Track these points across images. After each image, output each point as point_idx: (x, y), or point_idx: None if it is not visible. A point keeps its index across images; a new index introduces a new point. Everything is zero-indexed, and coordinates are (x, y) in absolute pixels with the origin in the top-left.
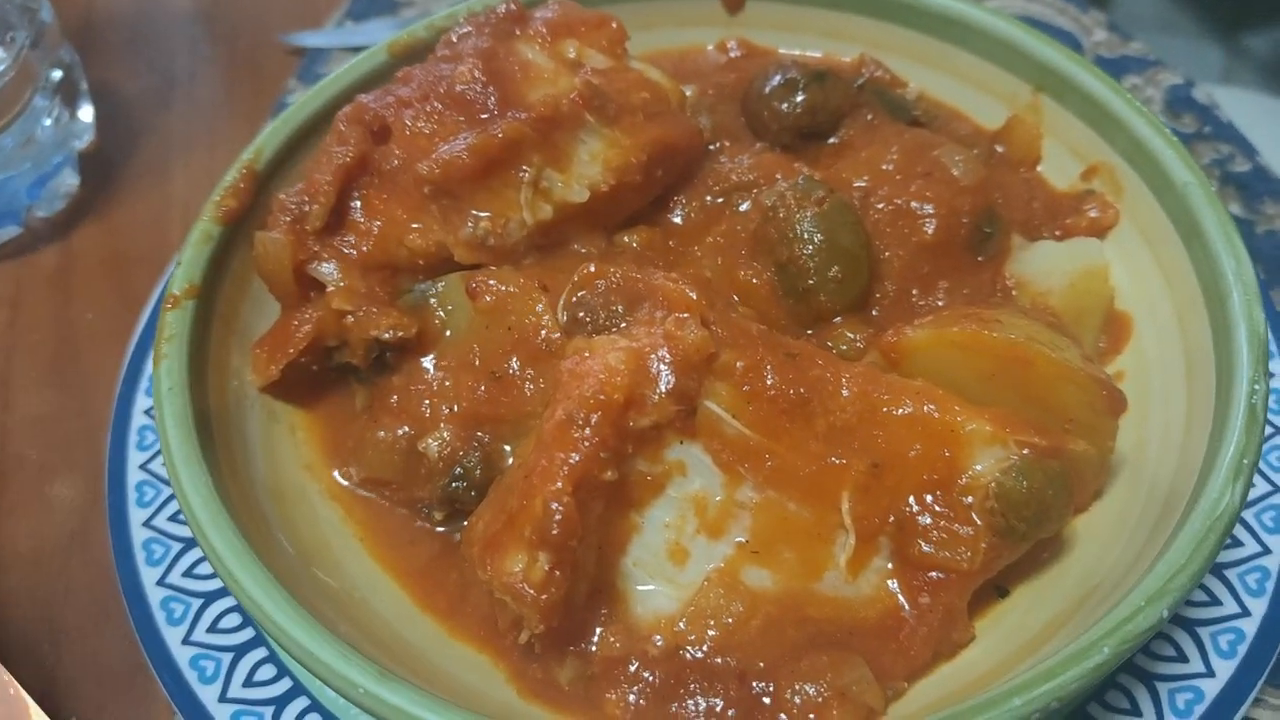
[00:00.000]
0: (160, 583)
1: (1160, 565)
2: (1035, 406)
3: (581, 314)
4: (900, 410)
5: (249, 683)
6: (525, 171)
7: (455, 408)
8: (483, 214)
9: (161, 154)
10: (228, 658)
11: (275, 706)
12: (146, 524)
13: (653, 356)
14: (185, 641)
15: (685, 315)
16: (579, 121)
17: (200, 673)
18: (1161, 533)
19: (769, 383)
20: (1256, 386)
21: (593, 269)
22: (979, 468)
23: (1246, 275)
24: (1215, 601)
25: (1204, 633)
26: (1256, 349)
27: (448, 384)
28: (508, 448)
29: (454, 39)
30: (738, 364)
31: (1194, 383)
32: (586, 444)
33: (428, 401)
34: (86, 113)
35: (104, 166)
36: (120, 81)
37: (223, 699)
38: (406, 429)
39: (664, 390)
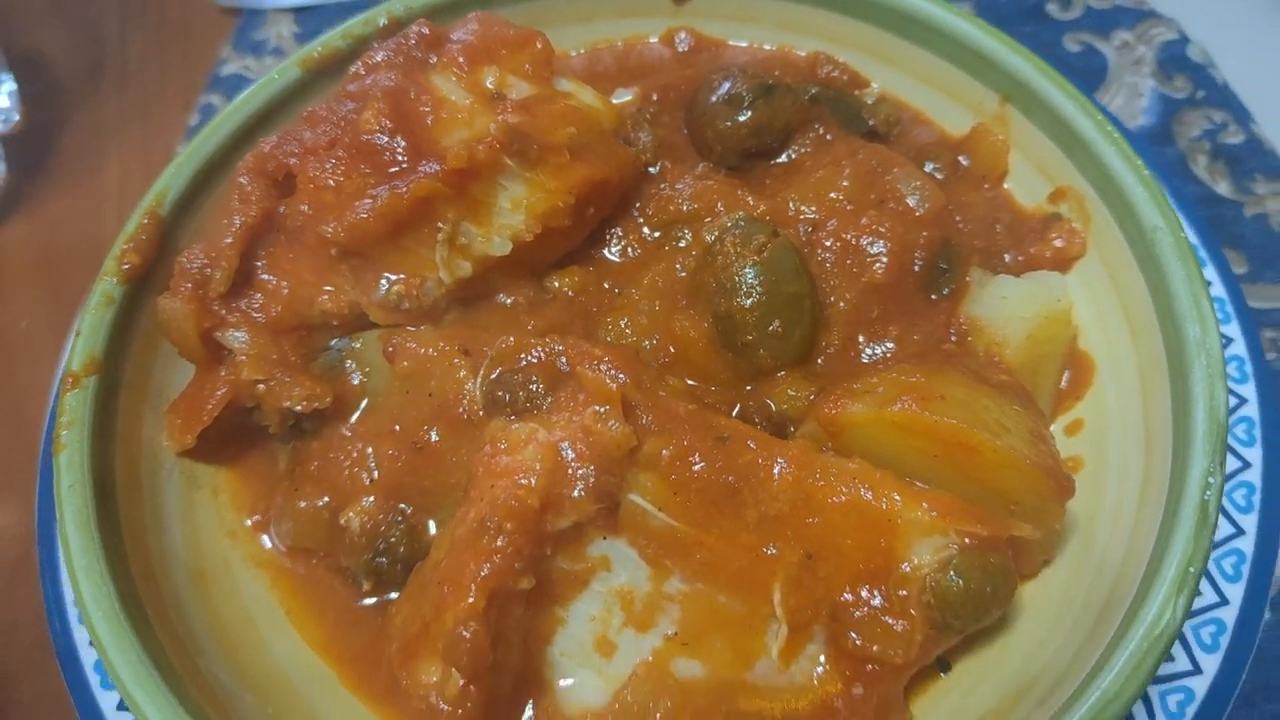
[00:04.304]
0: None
1: (1093, 692)
2: (979, 487)
3: (500, 392)
4: (835, 498)
5: None
6: (440, 229)
7: (376, 476)
8: (395, 276)
9: (93, 135)
10: None
11: None
12: None
13: (571, 453)
14: (120, 708)
15: (605, 409)
16: (498, 168)
17: None
18: (1103, 632)
19: (697, 471)
20: (1210, 480)
21: (511, 341)
22: (916, 559)
23: (1211, 345)
24: (1168, 658)
25: (1153, 691)
26: (1214, 436)
27: (368, 451)
28: (432, 522)
29: (362, 70)
30: (664, 452)
31: (1151, 456)
32: (499, 556)
33: (348, 469)
34: (8, 89)
35: (31, 151)
36: (44, 49)
37: None
38: (327, 498)
39: (583, 490)
